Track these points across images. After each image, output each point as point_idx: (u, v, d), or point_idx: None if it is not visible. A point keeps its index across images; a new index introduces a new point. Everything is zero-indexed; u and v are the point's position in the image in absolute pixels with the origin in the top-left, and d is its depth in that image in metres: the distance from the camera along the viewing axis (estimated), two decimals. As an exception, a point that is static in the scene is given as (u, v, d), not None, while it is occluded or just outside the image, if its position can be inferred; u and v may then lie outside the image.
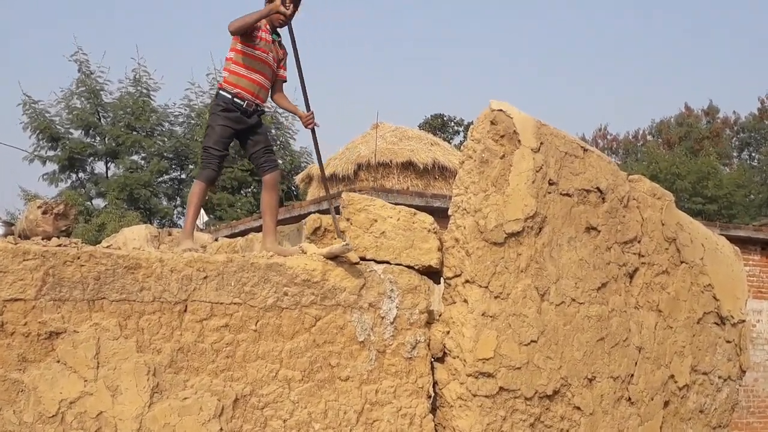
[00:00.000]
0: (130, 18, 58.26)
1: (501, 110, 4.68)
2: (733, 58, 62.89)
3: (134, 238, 6.20)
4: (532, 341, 4.66)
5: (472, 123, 4.83)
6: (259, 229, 4.99)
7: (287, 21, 4.83)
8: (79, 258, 3.64)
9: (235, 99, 4.75)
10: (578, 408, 4.86)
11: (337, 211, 4.67)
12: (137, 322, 3.73)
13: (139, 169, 22.12)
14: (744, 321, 6.02)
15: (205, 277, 3.92)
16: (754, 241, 14.20)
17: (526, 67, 67.20)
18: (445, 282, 4.71)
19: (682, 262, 5.59)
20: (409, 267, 4.56)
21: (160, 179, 23.09)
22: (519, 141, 4.70)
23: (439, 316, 4.66)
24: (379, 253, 4.49)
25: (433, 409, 4.59)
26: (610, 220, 5.16)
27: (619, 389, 5.09)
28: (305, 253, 4.38)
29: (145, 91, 22.84)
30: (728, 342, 5.86)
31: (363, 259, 4.43)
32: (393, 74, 68.13)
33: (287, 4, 4.79)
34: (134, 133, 22.34)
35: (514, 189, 4.66)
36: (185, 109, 23.40)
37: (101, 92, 22.62)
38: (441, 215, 5.04)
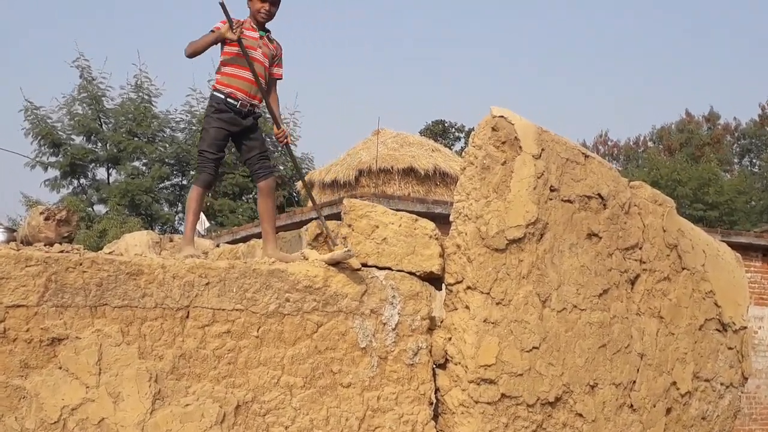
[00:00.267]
0: (132, 24, 58.41)
1: (502, 117, 4.69)
2: (734, 65, 62.99)
3: (136, 244, 6.19)
4: (533, 348, 4.66)
5: (473, 129, 4.84)
6: (260, 236, 4.99)
7: (266, 22, 4.77)
8: (81, 264, 3.64)
9: (228, 99, 4.70)
10: (580, 415, 4.85)
11: (339, 218, 4.67)
12: (139, 328, 3.73)
13: (140, 175, 22.14)
14: (746, 328, 6.02)
15: (207, 284, 3.93)
16: (756, 248, 14.21)
17: (526, 73, 67.32)
18: (446, 288, 4.71)
19: (683, 269, 5.59)
20: (410, 273, 4.56)
21: (161, 185, 23.10)
22: (520, 147, 4.71)
23: (441, 322, 4.66)
24: (381, 259, 4.49)
25: (435, 416, 4.58)
26: (612, 227, 5.16)
27: (621, 396, 5.08)
28: (307, 259, 4.39)
29: (146, 97, 22.87)
30: (730, 349, 5.86)
31: (365, 265, 4.43)
32: (394, 81, 68.24)
33: (235, 29, 4.63)
34: (136, 139, 22.35)
35: (516, 195, 4.67)
36: (186, 115, 23.42)
37: (103, 98, 22.65)
38: (442, 221, 5.04)
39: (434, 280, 4.69)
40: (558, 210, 4.88)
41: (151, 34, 56.54)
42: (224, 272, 3.98)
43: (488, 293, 4.53)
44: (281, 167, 23.11)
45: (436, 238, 4.67)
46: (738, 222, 26.49)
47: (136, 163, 22.73)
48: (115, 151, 22.22)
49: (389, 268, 4.50)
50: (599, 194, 5.11)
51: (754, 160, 38.66)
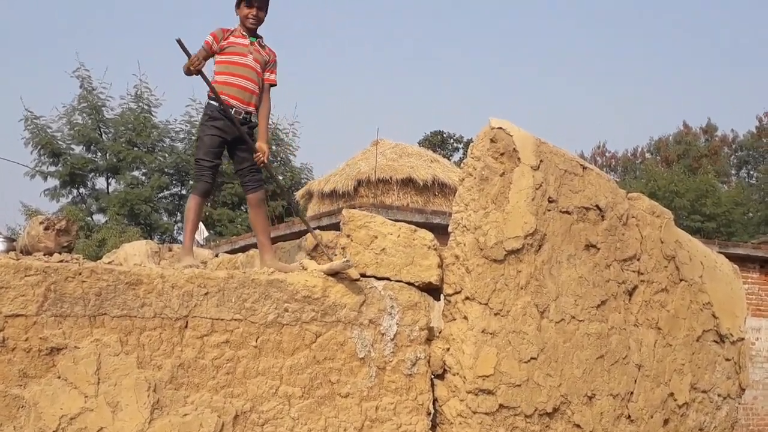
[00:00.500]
0: (132, 35, 58.55)
1: (501, 128, 4.71)
2: (731, 77, 63.19)
3: (135, 253, 6.19)
4: (531, 358, 4.66)
5: (471, 140, 4.87)
6: (260, 245, 4.98)
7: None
8: (80, 274, 3.65)
9: (224, 105, 4.71)
10: (578, 426, 4.86)
11: (338, 228, 4.68)
12: (138, 338, 3.74)
13: (139, 185, 22.16)
14: (743, 339, 6.03)
15: (206, 294, 3.93)
16: (753, 259, 14.22)
17: (525, 84, 67.47)
18: (445, 299, 4.72)
19: (681, 280, 5.60)
20: (409, 283, 4.57)
21: (160, 195, 23.12)
22: (519, 159, 4.73)
23: (439, 332, 4.67)
24: (380, 269, 4.51)
25: (433, 426, 4.59)
26: (610, 238, 5.18)
27: (618, 407, 5.09)
28: (306, 269, 4.40)
29: (146, 107, 22.93)
30: (727, 360, 5.87)
31: (363, 275, 4.45)
32: (393, 92, 68.37)
33: (193, 67, 4.61)
34: (135, 148, 22.39)
35: (514, 206, 4.69)
36: (186, 125, 23.47)
37: (103, 108, 22.70)
38: (441, 232, 5.06)
39: (433, 290, 4.70)
40: (556, 221, 4.90)
41: (151, 45, 56.66)
42: (223, 282, 3.99)
43: (486, 304, 4.54)
44: (280, 177, 23.14)
45: (435, 249, 4.68)
46: (735, 233, 26.51)
47: (136, 173, 22.77)
48: (114, 160, 22.25)
49: (388, 279, 4.52)
50: (597, 205, 5.13)
51: (751, 172, 38.73)
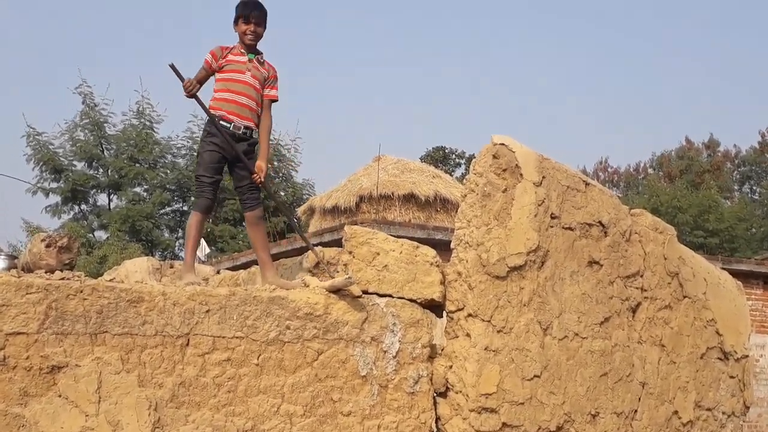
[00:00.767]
0: (135, 51, 58.82)
1: (503, 144, 4.71)
2: (734, 92, 63.34)
3: (136, 270, 6.19)
4: (535, 376, 4.63)
5: (473, 156, 4.87)
6: (262, 262, 4.97)
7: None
8: (81, 291, 3.64)
9: (221, 122, 4.72)
10: (582, 444, 4.82)
11: (340, 244, 4.67)
12: (139, 356, 3.72)
13: (141, 201, 22.19)
14: (747, 356, 5.99)
15: (208, 311, 3.92)
16: (757, 275, 14.19)
17: (527, 100, 67.63)
18: (447, 316, 4.70)
19: (684, 297, 5.58)
20: (411, 300, 4.55)
21: (162, 211, 23.16)
22: (521, 175, 4.72)
23: (442, 350, 4.65)
24: (382, 286, 4.49)
25: (436, 445, 4.55)
26: (613, 254, 5.16)
27: (622, 425, 5.05)
28: (308, 286, 4.38)
29: (148, 123, 23.00)
30: (732, 377, 5.83)
31: (365, 292, 4.43)
32: (395, 107, 68.57)
33: (187, 90, 4.67)
34: (137, 165, 22.45)
35: (517, 223, 4.67)
36: (188, 142, 23.54)
37: (105, 124, 22.78)
38: (443, 248, 5.05)
39: (435, 307, 4.68)
40: (559, 237, 4.89)
41: (153, 61, 56.92)
42: (225, 299, 3.97)
43: (489, 321, 4.52)
44: (282, 193, 23.15)
45: (437, 265, 4.67)
46: (739, 249, 26.49)
47: (137, 189, 22.81)
48: (116, 177, 22.31)
49: (390, 296, 4.50)
50: (600, 222, 5.12)
51: (754, 187, 38.75)
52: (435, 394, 4.58)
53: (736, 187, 38.78)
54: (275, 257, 5.04)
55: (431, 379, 4.54)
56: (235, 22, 4.91)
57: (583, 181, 5.15)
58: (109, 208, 22.84)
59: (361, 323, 4.33)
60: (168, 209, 23.61)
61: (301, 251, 7.98)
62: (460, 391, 4.47)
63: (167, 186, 22.93)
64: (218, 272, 6.33)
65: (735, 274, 6.88)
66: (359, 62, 69.62)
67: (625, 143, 63.60)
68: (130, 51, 58.26)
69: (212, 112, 4.74)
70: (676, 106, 63.84)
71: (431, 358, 4.59)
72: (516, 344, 4.58)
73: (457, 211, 4.79)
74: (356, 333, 4.31)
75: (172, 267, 6.48)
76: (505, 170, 4.68)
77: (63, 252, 4.39)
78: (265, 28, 4.93)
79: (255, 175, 4.75)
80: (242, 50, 4.88)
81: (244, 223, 22.25)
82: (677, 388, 5.42)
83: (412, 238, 4.90)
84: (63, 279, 3.70)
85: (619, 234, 5.22)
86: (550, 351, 4.73)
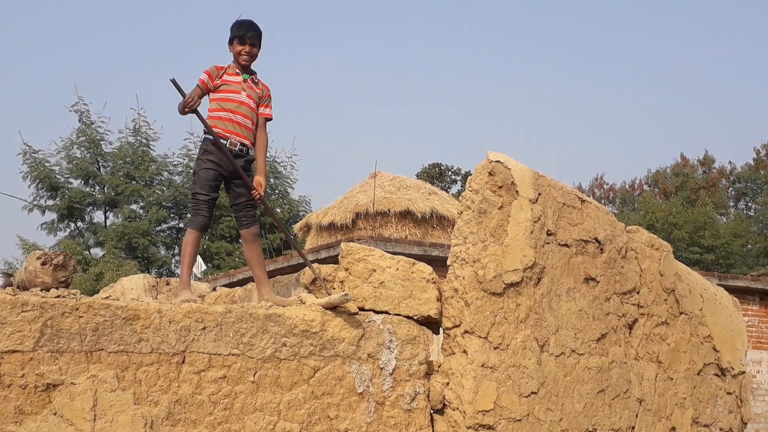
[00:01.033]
0: (131, 69, 58.98)
1: (499, 161, 4.72)
2: (729, 109, 63.62)
3: (132, 287, 6.18)
4: (532, 393, 4.63)
5: (469, 172, 4.89)
6: (258, 279, 4.97)
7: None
8: (77, 309, 3.63)
9: (218, 139, 4.72)
10: (579, 461, 4.80)
11: (336, 261, 4.67)
12: (135, 373, 3.71)
13: (137, 219, 22.19)
14: (744, 372, 5.99)
15: (204, 328, 3.91)
16: (753, 291, 14.21)
17: (522, 117, 67.87)
18: (444, 332, 4.69)
19: (681, 313, 5.58)
20: (408, 317, 4.55)
21: (158, 228, 23.15)
22: (517, 192, 4.74)
23: (439, 367, 4.64)
24: (378, 303, 4.49)
25: (433, 462, 4.53)
26: (609, 271, 5.17)
27: (620, 442, 5.03)
28: (304, 303, 4.38)
29: (144, 140, 23.05)
30: (729, 393, 5.83)
31: (362, 309, 4.42)
32: (391, 124, 68.75)
33: (186, 107, 4.66)
34: (133, 182, 22.47)
35: (513, 239, 4.68)
36: (184, 159, 23.58)
37: (101, 142, 22.81)
38: (439, 264, 5.05)
39: (432, 324, 4.67)
40: (555, 254, 4.89)
41: (149, 79, 57.06)
42: (221, 317, 3.96)
43: (486, 337, 4.52)
44: (278, 209, 23.17)
45: (434, 282, 4.66)
46: (734, 265, 26.53)
47: (134, 207, 22.81)
48: (112, 194, 22.32)
49: (386, 312, 4.49)
50: (596, 238, 5.13)
51: (749, 204, 38.88)
52: (432, 411, 4.57)
53: (731, 204, 38.93)
54: (271, 274, 5.04)
55: (428, 396, 4.53)
56: (231, 43, 4.93)
57: (579, 197, 5.17)
58: (105, 226, 22.83)
59: (357, 340, 4.33)
60: (164, 226, 23.61)
61: (297, 268, 7.97)
62: (457, 408, 4.46)
63: (163, 203, 22.94)
64: (214, 289, 6.32)
65: (731, 290, 6.89)
66: (356, 79, 69.88)
67: (621, 160, 63.79)
68: (127, 69, 58.44)
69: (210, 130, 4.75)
70: (671, 122, 64.13)
71: (428, 374, 4.58)
72: (513, 361, 4.58)
73: (453, 228, 4.80)
74: (353, 350, 4.31)
75: (168, 284, 6.46)
76: (501, 187, 4.70)
77: (59, 270, 4.39)
78: (260, 48, 4.96)
79: (254, 191, 4.76)
80: (237, 70, 4.89)
81: (240, 240, 22.27)
82: (674, 404, 5.41)
83: (408, 255, 4.91)
84: (58, 297, 3.69)
85: (615, 250, 5.23)
86: (547, 368, 4.72)
